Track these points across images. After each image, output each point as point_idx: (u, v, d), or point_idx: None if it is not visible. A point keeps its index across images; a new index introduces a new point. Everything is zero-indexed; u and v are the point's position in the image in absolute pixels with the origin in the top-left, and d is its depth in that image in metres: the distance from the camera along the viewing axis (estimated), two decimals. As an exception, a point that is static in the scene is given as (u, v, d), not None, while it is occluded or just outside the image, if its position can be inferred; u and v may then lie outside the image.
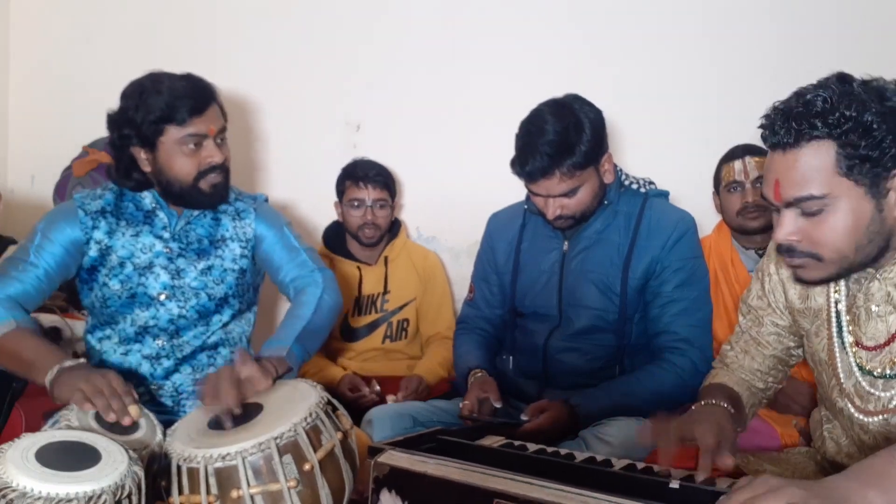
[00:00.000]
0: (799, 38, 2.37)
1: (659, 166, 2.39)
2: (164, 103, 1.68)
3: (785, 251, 1.24)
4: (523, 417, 1.74)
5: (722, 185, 2.26)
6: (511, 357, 2.05)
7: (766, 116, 1.20)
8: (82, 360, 1.57)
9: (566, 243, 1.95)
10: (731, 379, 1.54)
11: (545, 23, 2.64)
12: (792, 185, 1.17)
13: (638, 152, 2.49)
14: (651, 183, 2.01)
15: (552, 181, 1.78)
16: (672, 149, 2.51)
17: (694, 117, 2.51)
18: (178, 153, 1.71)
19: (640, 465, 1.37)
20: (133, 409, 1.43)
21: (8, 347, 1.59)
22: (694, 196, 2.32)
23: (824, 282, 1.27)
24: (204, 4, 3.05)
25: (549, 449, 1.48)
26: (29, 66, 3.32)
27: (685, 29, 2.51)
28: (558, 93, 1.89)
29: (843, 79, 1.16)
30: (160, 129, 1.69)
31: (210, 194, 1.77)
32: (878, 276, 1.25)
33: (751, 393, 1.53)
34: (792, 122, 1.15)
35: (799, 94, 1.18)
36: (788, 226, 1.20)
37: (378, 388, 2.39)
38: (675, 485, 1.22)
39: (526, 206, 2.04)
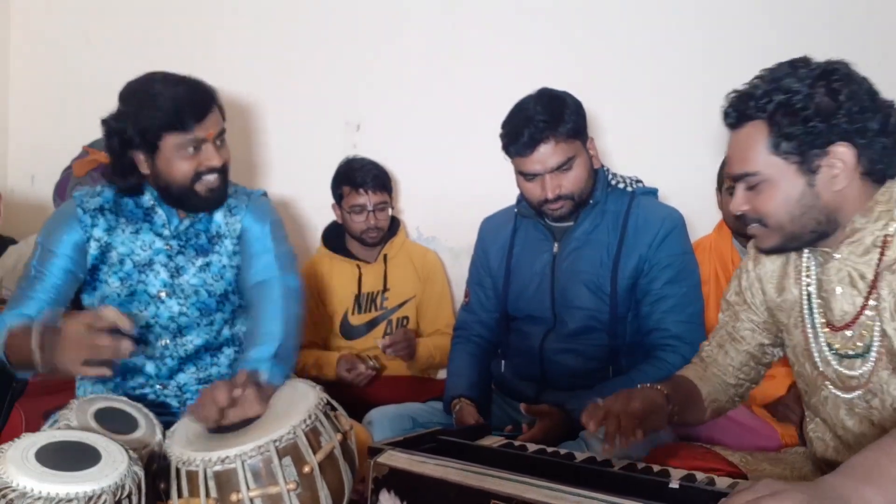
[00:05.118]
0: (797, 35, 2.36)
1: (661, 165, 2.39)
2: (167, 112, 1.66)
3: (741, 220, 1.37)
4: (522, 409, 1.78)
5: (723, 185, 2.26)
6: (508, 360, 2.04)
7: (725, 100, 1.31)
8: (41, 327, 1.46)
9: (556, 244, 1.95)
10: (698, 374, 1.57)
11: (547, 22, 2.64)
12: (736, 162, 1.31)
13: (639, 150, 2.49)
14: (638, 181, 2.00)
15: (548, 148, 1.79)
16: (674, 148, 2.51)
17: (694, 115, 2.50)
18: (177, 157, 1.70)
19: (640, 465, 1.38)
20: (124, 344, 1.37)
21: (12, 349, 1.58)
22: (695, 194, 2.32)
23: (778, 250, 1.36)
24: (204, 5, 3.04)
25: (549, 449, 1.48)
26: (29, 67, 3.31)
27: (686, 28, 2.51)
28: (559, 91, 1.90)
29: (793, 63, 1.25)
30: (160, 136, 1.68)
31: (207, 198, 1.76)
32: (835, 255, 1.30)
33: (720, 388, 1.56)
34: (735, 106, 1.29)
35: (750, 81, 1.29)
36: (738, 198, 1.33)
37: (372, 362, 2.42)
38: (674, 485, 1.22)
39: (516, 210, 2.04)
